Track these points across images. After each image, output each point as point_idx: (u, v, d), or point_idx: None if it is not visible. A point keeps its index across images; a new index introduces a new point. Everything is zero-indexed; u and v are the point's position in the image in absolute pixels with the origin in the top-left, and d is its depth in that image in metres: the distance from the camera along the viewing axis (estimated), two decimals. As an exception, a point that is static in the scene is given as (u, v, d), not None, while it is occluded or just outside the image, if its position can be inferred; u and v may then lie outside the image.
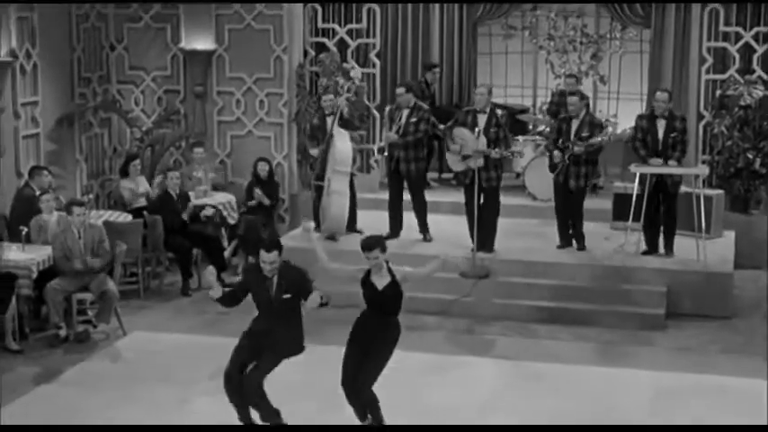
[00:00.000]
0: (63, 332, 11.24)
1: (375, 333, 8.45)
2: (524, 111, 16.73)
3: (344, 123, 13.29)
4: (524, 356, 10.91)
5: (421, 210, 13.21)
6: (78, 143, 14.68)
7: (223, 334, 10.99)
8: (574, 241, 12.84)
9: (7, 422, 9.16)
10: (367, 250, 8.31)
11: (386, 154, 13.02)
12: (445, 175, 15.86)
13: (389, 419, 8.79)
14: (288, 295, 8.35)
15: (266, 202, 14.07)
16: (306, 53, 15.41)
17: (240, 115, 15.17)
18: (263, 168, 14.20)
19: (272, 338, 8.41)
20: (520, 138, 15.20)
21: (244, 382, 8.36)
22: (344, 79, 14.79)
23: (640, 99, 16.54)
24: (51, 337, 11.27)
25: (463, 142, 12.43)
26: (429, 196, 13.44)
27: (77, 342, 11.29)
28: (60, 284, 11.15)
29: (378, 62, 15.72)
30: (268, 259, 8.31)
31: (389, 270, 8.39)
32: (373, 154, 15.64)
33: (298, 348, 8.58)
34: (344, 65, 15.08)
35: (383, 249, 8.35)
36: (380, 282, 8.38)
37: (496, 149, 12.29)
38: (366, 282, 8.42)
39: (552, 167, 12.77)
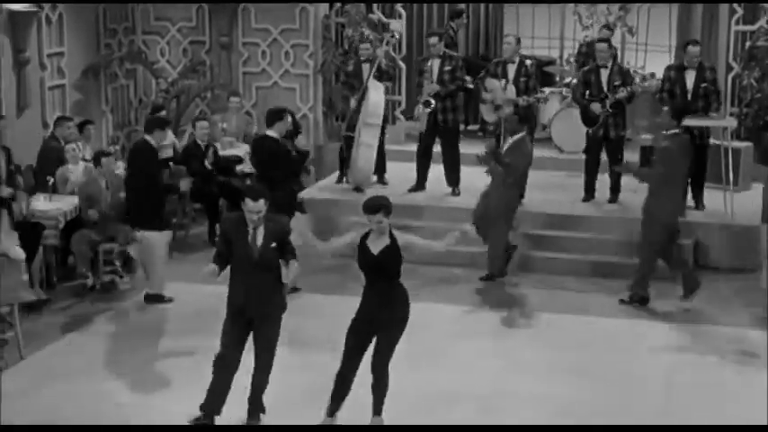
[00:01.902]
0: (90, 281, 11.32)
1: (380, 308, 7.75)
2: (551, 62, 16.61)
3: (381, 75, 13.24)
4: (550, 308, 10.92)
5: (455, 162, 13.14)
6: (104, 94, 14.68)
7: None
8: (609, 193, 12.77)
9: (36, 368, 9.27)
10: (370, 213, 7.66)
11: (432, 106, 12.89)
12: (471, 127, 15.82)
13: (416, 371, 8.81)
14: (274, 244, 7.83)
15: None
16: (331, 4, 15.31)
17: (266, 66, 15.13)
18: None
19: (262, 304, 7.84)
20: (546, 89, 15.12)
21: (258, 366, 7.92)
22: (383, 31, 14.68)
23: (669, 51, 16.41)
24: (78, 287, 11.35)
25: (493, 93, 12.40)
26: (455, 148, 13.39)
27: (104, 291, 11.37)
28: (87, 234, 11.21)
29: (404, 13, 15.61)
30: (254, 209, 7.75)
31: (391, 234, 7.73)
32: (399, 105, 15.57)
33: (284, 305, 8.02)
34: (372, 16, 14.96)
35: (387, 213, 7.67)
36: (376, 245, 7.70)
37: (523, 97, 12.25)
38: (361, 244, 7.76)
39: (590, 121, 12.57)
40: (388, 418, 7.96)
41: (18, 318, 9.56)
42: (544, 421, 8.35)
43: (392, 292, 7.82)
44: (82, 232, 11.21)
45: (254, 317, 7.89)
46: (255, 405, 8.09)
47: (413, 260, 8.22)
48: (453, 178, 13.16)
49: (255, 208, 7.76)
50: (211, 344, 9.39)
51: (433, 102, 12.82)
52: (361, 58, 13.37)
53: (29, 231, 10.64)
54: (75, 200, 11.50)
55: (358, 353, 7.88)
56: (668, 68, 12.65)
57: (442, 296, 11.13)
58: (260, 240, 7.84)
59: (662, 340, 10.13)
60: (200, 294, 11.10)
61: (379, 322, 7.80)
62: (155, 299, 10.97)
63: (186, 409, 8.14)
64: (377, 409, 7.97)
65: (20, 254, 9.72)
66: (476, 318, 10.70)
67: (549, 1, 17.03)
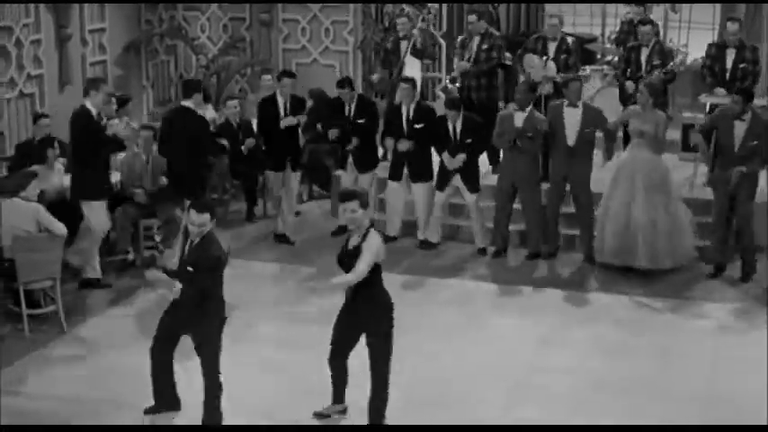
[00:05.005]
0: (130, 257, 11.40)
1: (360, 308, 7.45)
2: (593, 40, 16.49)
3: (417, 53, 13.21)
4: (588, 287, 10.88)
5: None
6: (145, 70, 14.76)
7: (287, 261, 11.12)
8: None
9: (77, 341, 9.39)
10: (343, 202, 7.33)
11: (458, 84, 12.87)
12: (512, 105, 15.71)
13: (452, 344, 8.82)
14: (191, 269, 7.45)
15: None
16: (372, -18, 15.28)
17: (305, 43, 15.11)
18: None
19: (183, 315, 7.65)
20: (587, 67, 15.01)
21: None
22: (419, 9, 14.64)
23: (712, 28, 16.22)
24: (119, 262, 11.41)
25: (532, 69, 12.33)
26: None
27: (144, 267, 11.43)
28: (128, 210, 11.28)
29: (445, -9, 15.56)
30: (197, 221, 7.32)
31: (365, 233, 7.34)
32: (439, 82, 15.53)
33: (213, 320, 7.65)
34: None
35: (362, 204, 7.31)
36: (353, 241, 7.40)
37: (560, 75, 12.20)
38: (346, 241, 7.51)
39: (624, 99, 12.55)
40: (424, 393, 7.94)
41: (59, 292, 9.67)
42: (578, 393, 8.38)
43: (368, 298, 7.43)
44: (123, 208, 11.27)
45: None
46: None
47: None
48: (493, 156, 13.10)
49: (198, 221, 7.34)
50: (250, 318, 9.44)
51: (458, 80, 12.80)
52: (399, 35, 13.32)
53: (70, 207, 10.72)
54: (114, 175, 11.57)
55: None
56: (710, 46, 12.56)
57: (476, 273, 11.13)
58: (186, 255, 7.60)
59: (702, 319, 10.08)
60: (239, 270, 11.14)
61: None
62: None
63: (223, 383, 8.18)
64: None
65: (62, 229, 9.77)
66: (512, 294, 10.68)
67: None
